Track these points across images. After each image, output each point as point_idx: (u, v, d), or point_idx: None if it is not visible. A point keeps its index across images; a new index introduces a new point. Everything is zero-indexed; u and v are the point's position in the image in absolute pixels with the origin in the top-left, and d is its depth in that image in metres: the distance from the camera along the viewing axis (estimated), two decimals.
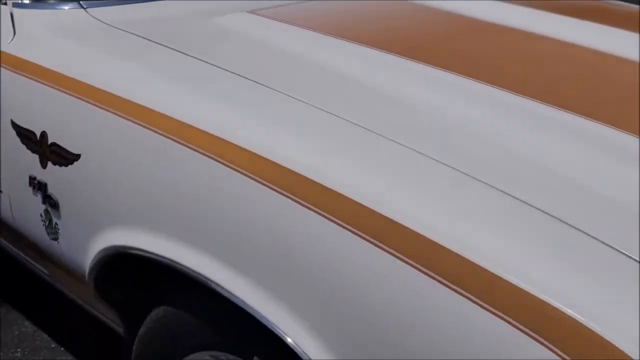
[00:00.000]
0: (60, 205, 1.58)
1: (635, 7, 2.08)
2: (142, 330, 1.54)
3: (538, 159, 1.18)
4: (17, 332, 2.27)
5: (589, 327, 0.91)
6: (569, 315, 0.92)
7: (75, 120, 1.50)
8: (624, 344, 0.90)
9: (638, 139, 1.24)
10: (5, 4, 1.77)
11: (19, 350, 2.19)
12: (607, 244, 1.01)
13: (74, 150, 1.49)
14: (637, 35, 1.66)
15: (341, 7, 1.85)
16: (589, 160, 1.19)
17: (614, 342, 0.90)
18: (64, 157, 1.52)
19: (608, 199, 1.12)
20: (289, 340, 1.21)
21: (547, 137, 1.23)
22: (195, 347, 1.45)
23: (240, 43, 1.65)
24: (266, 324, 1.24)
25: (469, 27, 1.75)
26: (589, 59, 1.59)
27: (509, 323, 0.95)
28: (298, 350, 1.20)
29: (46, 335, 2.25)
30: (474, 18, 1.77)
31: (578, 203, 1.10)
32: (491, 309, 0.96)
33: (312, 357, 1.19)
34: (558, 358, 0.91)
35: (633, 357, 0.89)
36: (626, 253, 1.00)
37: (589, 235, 1.02)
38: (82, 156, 1.48)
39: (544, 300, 0.94)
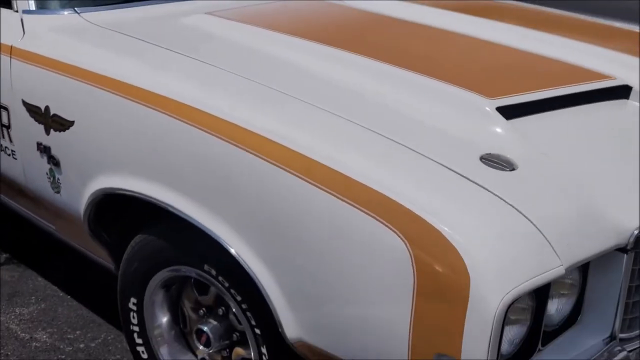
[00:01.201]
0: (61, 163, 2.05)
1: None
2: (124, 256, 2.00)
3: (372, 95, 1.69)
4: (31, 285, 2.73)
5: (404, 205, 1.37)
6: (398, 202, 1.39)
7: (70, 95, 1.97)
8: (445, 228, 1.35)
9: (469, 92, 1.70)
10: (17, 11, 2.25)
11: (32, 297, 2.66)
12: (430, 159, 1.47)
13: (69, 118, 1.96)
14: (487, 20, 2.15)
15: (278, 8, 2.33)
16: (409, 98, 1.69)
17: (429, 221, 1.35)
18: (62, 124, 1.99)
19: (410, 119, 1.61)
20: (232, 250, 1.66)
21: (387, 87, 1.73)
22: (160, 264, 1.91)
23: (201, 37, 2.12)
24: (215, 237, 1.68)
25: (377, 21, 2.23)
26: (459, 41, 2.07)
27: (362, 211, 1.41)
28: (239, 258, 1.65)
29: (55, 286, 2.72)
30: (381, 14, 2.25)
31: (381, 116, 1.63)
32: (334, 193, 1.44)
33: (248, 263, 1.64)
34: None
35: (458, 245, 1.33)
36: (450, 167, 1.46)
37: (416, 151, 1.48)
38: (75, 122, 1.96)
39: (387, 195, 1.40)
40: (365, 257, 1.41)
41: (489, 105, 1.64)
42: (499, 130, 1.60)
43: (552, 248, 1.36)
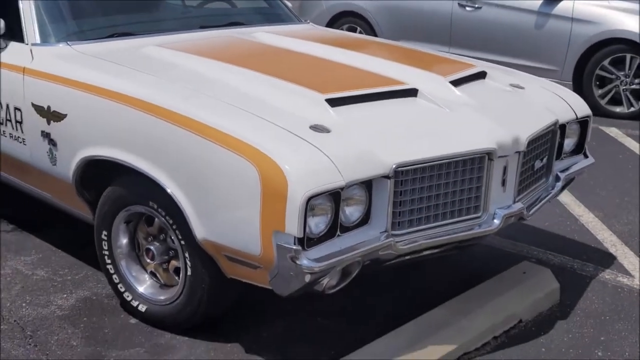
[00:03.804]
0: (58, 143, 3.08)
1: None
2: (99, 204, 3.03)
3: (249, 92, 2.77)
4: (31, 244, 3.74)
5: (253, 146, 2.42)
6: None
7: (64, 97, 3.02)
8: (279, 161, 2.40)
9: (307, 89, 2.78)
10: (27, 44, 3.30)
11: (33, 250, 3.66)
12: (277, 125, 2.53)
13: (63, 112, 3.01)
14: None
15: (205, 43, 3.44)
16: (273, 93, 2.77)
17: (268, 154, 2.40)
18: (59, 117, 3.03)
19: (271, 104, 2.68)
20: (168, 190, 2.70)
21: (261, 87, 2.81)
22: (122, 205, 2.94)
23: (153, 60, 3.18)
24: (157, 182, 2.71)
25: (267, 50, 3.36)
26: (312, 61, 3.21)
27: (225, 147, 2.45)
28: (172, 194, 2.68)
29: (48, 244, 3.73)
30: (270, 45, 3.40)
31: (252, 103, 2.68)
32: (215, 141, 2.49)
33: (176, 195, 2.66)
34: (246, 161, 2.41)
35: (282, 167, 2.37)
36: (287, 129, 2.51)
37: (270, 122, 2.54)
38: (68, 114, 3.00)
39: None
40: (235, 178, 2.46)
41: (320, 97, 2.72)
42: (325, 112, 2.67)
43: (339, 172, 2.41)
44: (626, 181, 4.91)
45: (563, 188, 3.39)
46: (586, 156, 3.51)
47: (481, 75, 3.32)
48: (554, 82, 3.79)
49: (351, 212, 2.55)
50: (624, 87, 6.40)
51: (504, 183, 2.85)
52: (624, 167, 5.21)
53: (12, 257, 3.59)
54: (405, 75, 3.04)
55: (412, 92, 2.91)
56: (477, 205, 2.79)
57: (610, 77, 6.43)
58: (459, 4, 7.10)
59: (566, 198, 4.52)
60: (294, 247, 2.37)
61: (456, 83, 3.08)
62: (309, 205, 2.36)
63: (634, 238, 3.99)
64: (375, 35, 7.67)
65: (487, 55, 6.79)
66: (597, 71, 6.43)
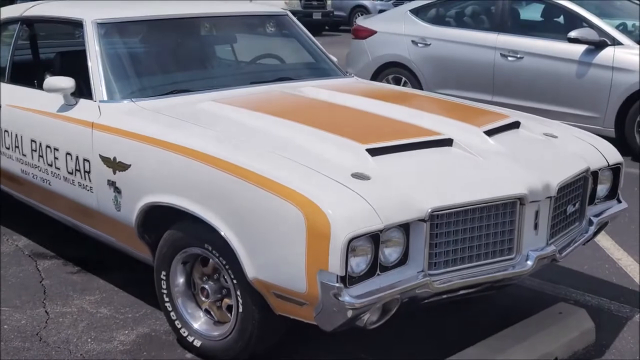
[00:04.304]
0: (122, 191, 3.37)
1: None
2: (159, 246, 3.29)
3: (297, 143, 3.01)
4: (95, 284, 4.02)
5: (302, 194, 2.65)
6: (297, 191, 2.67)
7: (128, 148, 3.31)
8: (322, 205, 2.63)
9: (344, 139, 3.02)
10: (95, 101, 3.64)
11: (97, 291, 3.94)
12: (322, 173, 2.76)
13: (128, 162, 3.30)
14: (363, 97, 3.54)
15: (256, 98, 3.73)
16: (318, 144, 3.00)
17: (315, 201, 2.63)
18: (123, 167, 3.32)
19: (316, 154, 2.91)
20: (222, 233, 2.94)
21: (308, 138, 3.05)
22: (179, 248, 3.19)
23: (209, 115, 3.47)
24: (212, 225, 2.96)
25: (310, 103, 3.64)
26: (354, 113, 3.45)
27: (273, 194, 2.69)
28: (225, 237, 2.92)
29: (111, 284, 4.00)
30: (314, 98, 3.68)
31: (299, 153, 2.91)
32: (265, 188, 2.73)
33: (229, 238, 2.90)
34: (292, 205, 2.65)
35: (326, 211, 2.60)
36: (331, 177, 2.74)
37: (315, 170, 2.78)
38: (132, 165, 3.29)
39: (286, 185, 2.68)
40: (283, 222, 2.69)
41: (361, 148, 2.95)
42: (365, 161, 2.90)
43: (378, 215, 2.62)
44: None
45: (597, 232, 3.54)
46: (619, 201, 3.65)
47: (515, 125, 3.52)
48: (594, 128, 3.95)
49: (390, 252, 2.75)
50: None
51: (536, 227, 3.02)
52: None
53: (78, 297, 3.87)
54: (442, 126, 3.26)
55: (447, 142, 3.13)
56: (511, 248, 2.96)
57: None
58: (501, 54, 7.31)
59: (606, 242, 4.63)
60: (337, 285, 2.58)
61: (490, 133, 3.29)
62: (351, 246, 2.58)
63: None
64: (420, 85, 7.92)
65: (529, 104, 6.98)
66: (639, 118, 6.54)
